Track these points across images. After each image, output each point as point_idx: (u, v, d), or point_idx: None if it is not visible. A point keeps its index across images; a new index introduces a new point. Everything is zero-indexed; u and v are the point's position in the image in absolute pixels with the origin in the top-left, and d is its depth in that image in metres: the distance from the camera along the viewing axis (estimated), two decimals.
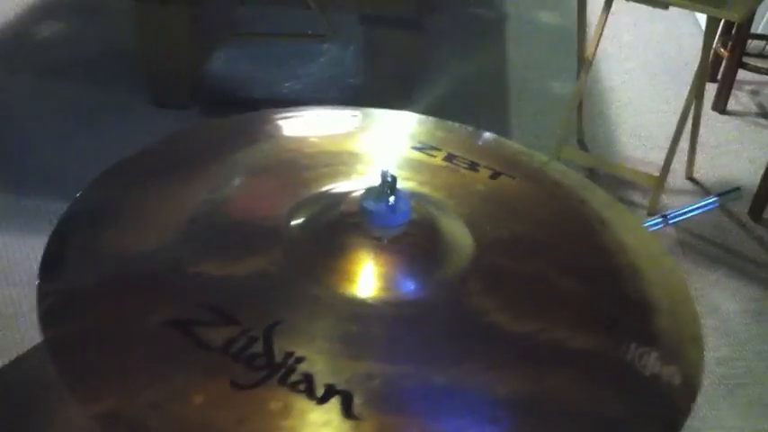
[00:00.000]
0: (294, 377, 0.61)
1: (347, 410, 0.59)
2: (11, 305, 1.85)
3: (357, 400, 0.60)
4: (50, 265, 0.71)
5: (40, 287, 0.68)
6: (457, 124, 0.97)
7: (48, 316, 0.66)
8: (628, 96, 2.91)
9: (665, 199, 2.39)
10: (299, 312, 0.66)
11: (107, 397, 0.60)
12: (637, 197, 2.37)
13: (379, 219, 0.70)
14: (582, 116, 2.59)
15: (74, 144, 2.37)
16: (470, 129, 0.97)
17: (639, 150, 2.60)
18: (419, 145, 0.92)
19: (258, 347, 0.62)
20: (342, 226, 0.72)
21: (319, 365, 0.62)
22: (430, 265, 0.71)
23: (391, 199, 0.69)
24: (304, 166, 0.85)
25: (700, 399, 0.67)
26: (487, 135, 0.97)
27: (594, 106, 2.81)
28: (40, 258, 0.72)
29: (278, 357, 0.62)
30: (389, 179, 0.70)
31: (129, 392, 0.60)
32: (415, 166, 0.87)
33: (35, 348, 1.07)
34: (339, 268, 0.69)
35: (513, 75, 2.97)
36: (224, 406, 0.59)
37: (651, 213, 2.29)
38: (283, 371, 0.61)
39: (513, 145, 0.96)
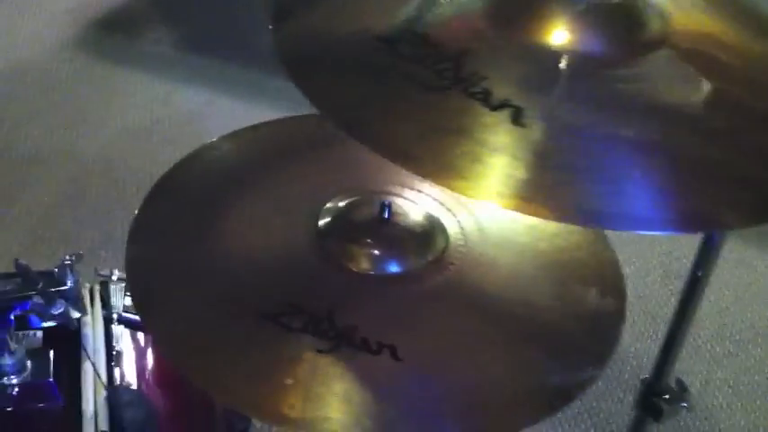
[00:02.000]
0: (475, 89, 0.69)
1: (516, 119, 0.67)
2: None
3: (527, 114, 0.68)
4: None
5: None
6: None
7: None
8: None
9: None
10: (491, 47, 0.74)
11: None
12: None
13: None
14: None
15: None
16: None
17: None
18: None
19: (449, 65, 0.71)
20: None
21: (499, 87, 0.70)
22: (620, 36, 0.77)
23: None
24: None
25: None
26: None
27: None
28: None
29: (464, 73, 0.70)
30: None
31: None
32: None
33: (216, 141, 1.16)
34: (536, 22, 0.76)
35: None
36: (414, 108, 0.69)
37: None
38: (466, 83, 0.69)
39: None
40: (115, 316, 1.12)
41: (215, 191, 1.07)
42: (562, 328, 0.96)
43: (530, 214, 0.67)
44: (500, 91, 0.69)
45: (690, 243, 2.02)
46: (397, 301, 0.94)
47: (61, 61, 2.48)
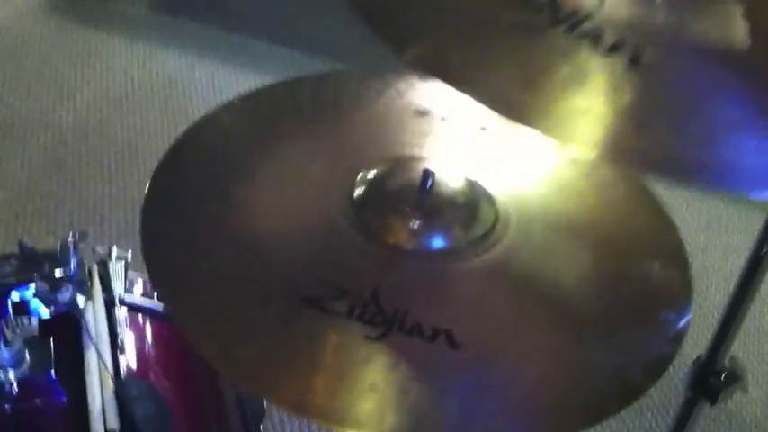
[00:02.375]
0: (581, 28, 0.59)
1: (633, 63, 0.57)
2: None
3: (643, 58, 0.57)
4: None
5: None
6: None
7: None
8: None
9: None
10: None
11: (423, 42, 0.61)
12: None
13: None
14: None
15: None
16: None
17: None
18: None
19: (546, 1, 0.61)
20: None
21: (606, 26, 0.60)
22: None
23: None
24: None
25: None
26: None
27: None
28: None
29: (565, 11, 0.60)
30: None
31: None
32: None
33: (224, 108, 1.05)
34: None
35: None
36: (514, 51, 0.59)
37: None
38: (569, 22, 0.59)
39: None
40: (117, 298, 1.00)
41: (233, 160, 0.96)
42: (627, 308, 0.87)
43: (642, 171, 0.57)
44: (609, 31, 0.58)
45: (695, 212, 1.95)
46: (444, 281, 0.84)
47: (32, 24, 2.37)
